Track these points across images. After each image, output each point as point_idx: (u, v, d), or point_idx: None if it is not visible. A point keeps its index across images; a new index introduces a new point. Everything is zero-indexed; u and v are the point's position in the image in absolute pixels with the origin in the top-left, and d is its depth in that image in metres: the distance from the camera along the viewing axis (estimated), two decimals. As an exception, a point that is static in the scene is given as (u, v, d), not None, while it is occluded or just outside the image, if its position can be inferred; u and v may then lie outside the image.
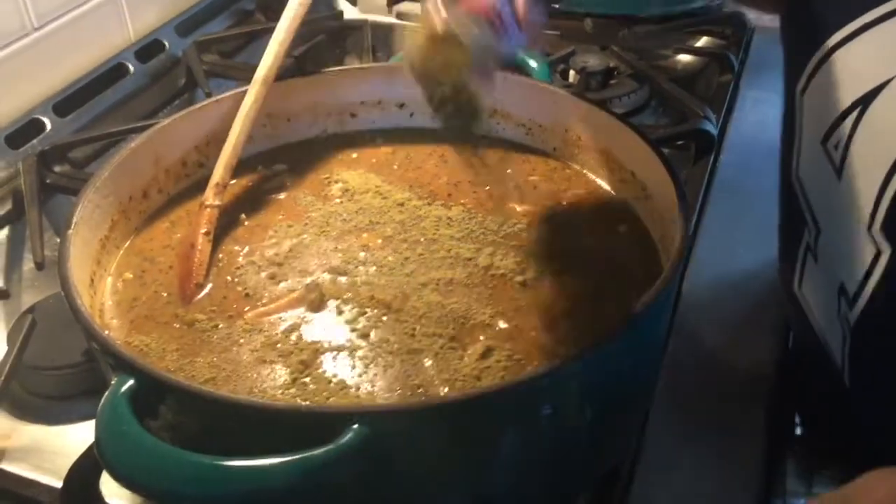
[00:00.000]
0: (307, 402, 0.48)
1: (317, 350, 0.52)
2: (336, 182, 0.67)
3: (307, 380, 0.50)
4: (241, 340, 0.53)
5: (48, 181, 0.76)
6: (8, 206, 0.76)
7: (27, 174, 0.75)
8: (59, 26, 0.86)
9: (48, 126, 0.82)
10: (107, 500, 0.51)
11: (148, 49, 0.95)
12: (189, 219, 0.63)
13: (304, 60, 0.91)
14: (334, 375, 0.50)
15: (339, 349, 0.52)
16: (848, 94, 0.48)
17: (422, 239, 0.61)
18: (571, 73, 0.93)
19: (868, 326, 0.50)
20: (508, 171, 0.68)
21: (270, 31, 0.67)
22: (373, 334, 0.53)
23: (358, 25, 1.04)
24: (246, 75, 0.67)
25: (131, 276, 0.59)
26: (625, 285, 0.56)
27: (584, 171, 0.67)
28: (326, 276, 0.58)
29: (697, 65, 0.99)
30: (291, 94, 0.70)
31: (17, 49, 0.82)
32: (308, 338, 0.53)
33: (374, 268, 0.58)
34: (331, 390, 0.49)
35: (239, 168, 0.65)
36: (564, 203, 0.65)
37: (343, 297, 0.56)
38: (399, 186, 0.66)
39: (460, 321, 0.53)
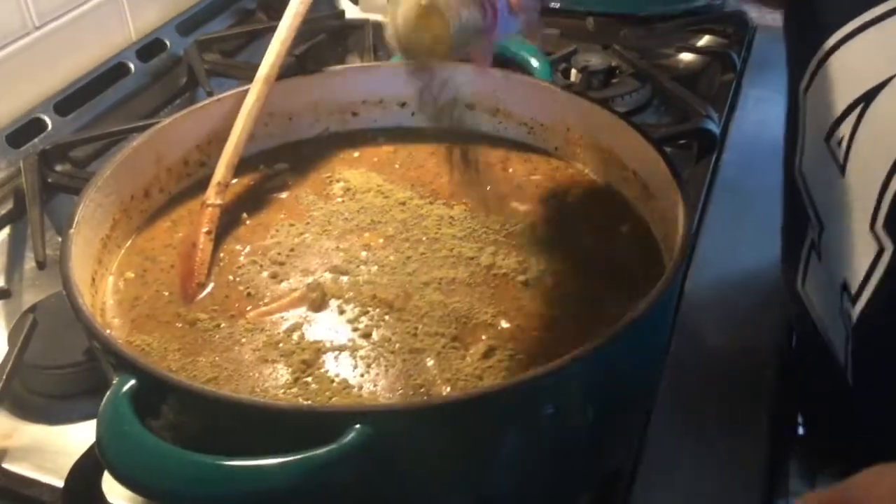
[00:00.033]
0: (309, 402, 0.48)
1: (319, 349, 0.52)
2: (338, 181, 0.67)
3: (309, 379, 0.50)
4: (243, 340, 0.53)
5: (49, 180, 0.76)
6: (9, 205, 0.76)
7: (28, 173, 0.75)
8: (60, 25, 0.86)
9: (49, 125, 0.82)
10: (108, 499, 0.51)
11: (149, 48, 0.95)
12: (191, 218, 0.63)
13: (305, 59, 0.91)
14: (336, 375, 0.50)
15: (341, 349, 0.52)
16: (850, 92, 0.48)
17: (423, 238, 0.61)
18: (573, 72, 0.93)
19: (870, 324, 0.50)
20: (510, 170, 0.68)
21: (272, 30, 0.67)
22: (375, 334, 0.53)
23: (359, 24, 1.04)
24: (247, 74, 0.67)
25: (133, 275, 0.59)
26: (627, 285, 0.55)
27: (586, 171, 0.67)
28: (328, 276, 0.58)
29: (699, 64, 0.99)
30: (293, 93, 0.70)
31: (18, 48, 0.82)
32: (310, 337, 0.53)
33: (376, 267, 0.58)
34: (333, 390, 0.49)
35: (240, 167, 0.65)
36: (567, 202, 0.65)
37: (345, 296, 0.56)
38: (401, 185, 0.66)
39: (462, 321, 0.53)
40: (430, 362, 0.51)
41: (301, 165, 0.69)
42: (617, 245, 0.60)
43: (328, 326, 0.54)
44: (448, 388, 0.49)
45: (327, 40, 1.02)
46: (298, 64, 0.84)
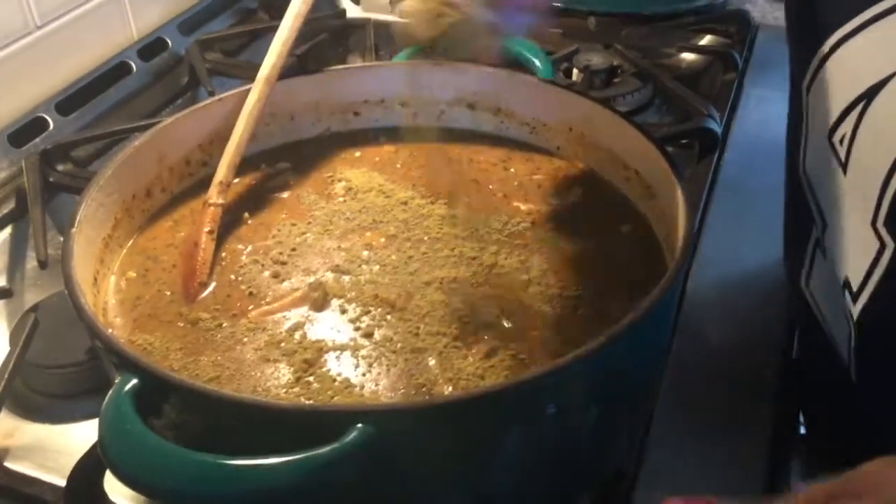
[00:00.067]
0: (311, 402, 0.48)
1: (320, 349, 0.52)
2: (339, 181, 0.67)
3: (311, 379, 0.50)
4: (245, 339, 0.53)
5: (51, 180, 0.76)
6: (11, 204, 0.76)
7: (30, 173, 0.75)
8: (61, 25, 0.86)
9: (51, 125, 0.82)
10: (110, 498, 0.51)
11: (151, 47, 0.95)
12: (192, 217, 0.63)
13: (306, 59, 0.91)
14: (338, 374, 0.50)
15: (343, 348, 0.52)
16: (851, 90, 0.48)
17: (425, 238, 0.61)
18: (575, 71, 0.93)
19: (871, 322, 0.50)
20: (512, 169, 0.68)
21: (273, 29, 0.67)
22: (376, 333, 0.53)
23: (361, 24, 1.04)
24: (249, 74, 0.67)
25: (135, 274, 0.59)
26: (629, 284, 0.55)
27: (588, 170, 0.67)
28: (330, 275, 0.58)
29: (701, 63, 0.99)
30: (294, 92, 0.70)
31: (20, 48, 0.82)
32: (312, 336, 0.53)
33: (378, 266, 0.58)
34: (335, 389, 0.49)
35: (242, 166, 0.65)
36: (569, 202, 0.65)
37: (346, 295, 0.56)
38: (402, 185, 0.66)
39: (464, 320, 0.53)
40: (431, 362, 0.51)
41: (302, 165, 0.69)
42: (619, 245, 0.60)
43: (330, 326, 0.54)
44: (450, 388, 0.49)
45: (329, 40, 1.02)
46: (300, 64, 0.84)
